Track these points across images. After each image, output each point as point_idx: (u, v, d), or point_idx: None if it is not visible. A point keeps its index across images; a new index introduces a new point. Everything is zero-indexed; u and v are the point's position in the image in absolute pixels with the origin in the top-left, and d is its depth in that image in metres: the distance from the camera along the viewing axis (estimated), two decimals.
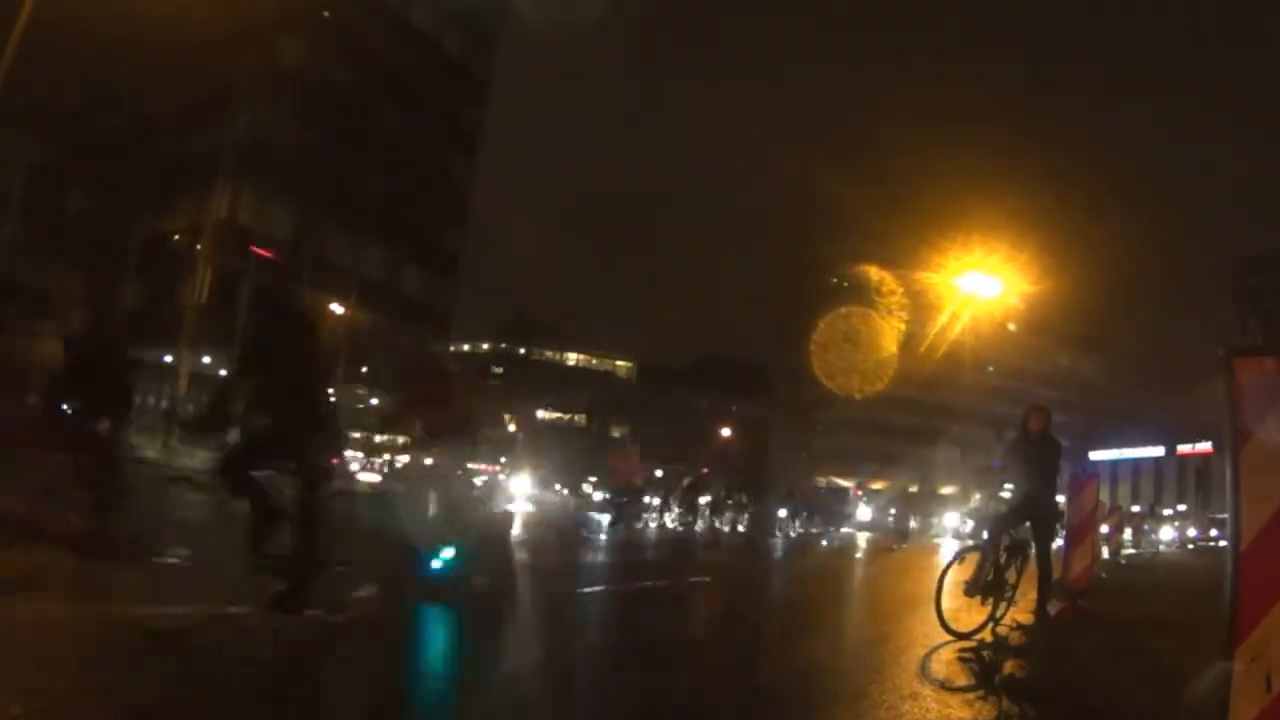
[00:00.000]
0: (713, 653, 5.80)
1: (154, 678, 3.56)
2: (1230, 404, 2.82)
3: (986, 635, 6.67)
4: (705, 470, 23.51)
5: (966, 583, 7.11)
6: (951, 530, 30.27)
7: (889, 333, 64.34)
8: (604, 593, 8.37)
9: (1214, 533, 40.80)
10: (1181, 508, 50.29)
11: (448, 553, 6.35)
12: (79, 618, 4.38)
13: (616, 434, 72.58)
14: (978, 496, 27.85)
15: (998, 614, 7.01)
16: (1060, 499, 9.73)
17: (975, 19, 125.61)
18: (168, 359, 32.10)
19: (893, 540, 23.23)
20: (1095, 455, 63.78)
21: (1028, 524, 7.67)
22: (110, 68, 35.18)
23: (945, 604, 6.64)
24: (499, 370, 76.74)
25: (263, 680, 3.81)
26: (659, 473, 25.27)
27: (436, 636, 5.69)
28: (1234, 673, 2.63)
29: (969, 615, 6.85)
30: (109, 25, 32.62)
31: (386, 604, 5.41)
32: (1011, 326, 73.65)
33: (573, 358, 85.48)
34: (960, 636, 6.49)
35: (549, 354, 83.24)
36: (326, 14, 36.11)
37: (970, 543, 10.47)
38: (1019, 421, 8.19)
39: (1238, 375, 2.82)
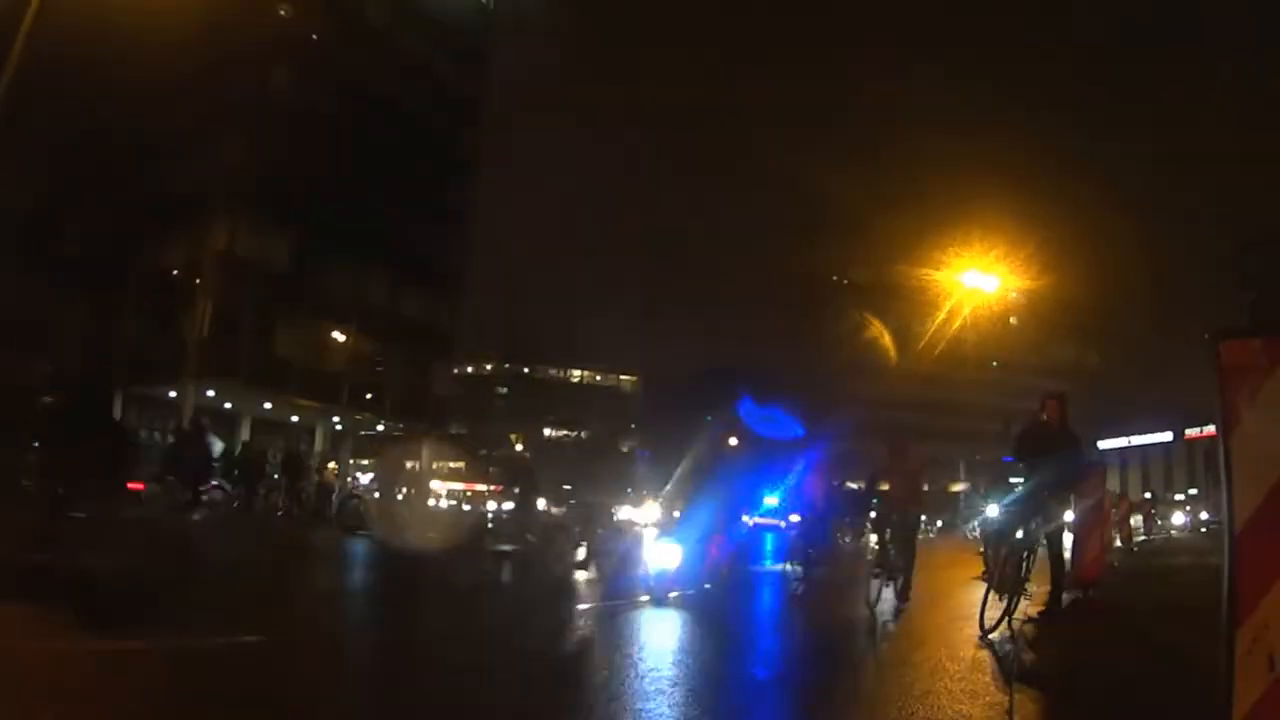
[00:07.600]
0: None
1: None
2: (1219, 387, 2.83)
3: (1003, 629, 6.68)
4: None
5: (984, 577, 7.18)
6: (965, 527, 30.12)
7: (893, 331, 64.22)
8: None
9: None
10: (1193, 492, 50.03)
11: None
12: None
13: (625, 449, 72.49)
14: (989, 493, 27.62)
15: (1013, 609, 7.02)
16: None
17: (976, 18, 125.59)
18: (171, 394, 32.16)
19: None
20: (1104, 445, 63.54)
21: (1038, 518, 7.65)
22: (100, 102, 35.29)
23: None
24: (504, 390, 76.83)
25: None
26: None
27: None
28: (1236, 655, 2.63)
29: (989, 611, 6.89)
30: (99, 61, 32.77)
31: None
32: (1014, 320, 73.59)
33: (577, 374, 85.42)
34: (984, 632, 6.55)
35: (553, 372, 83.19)
36: (315, 37, 36.22)
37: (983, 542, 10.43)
38: (1034, 413, 8.10)
39: (1224, 358, 2.83)
